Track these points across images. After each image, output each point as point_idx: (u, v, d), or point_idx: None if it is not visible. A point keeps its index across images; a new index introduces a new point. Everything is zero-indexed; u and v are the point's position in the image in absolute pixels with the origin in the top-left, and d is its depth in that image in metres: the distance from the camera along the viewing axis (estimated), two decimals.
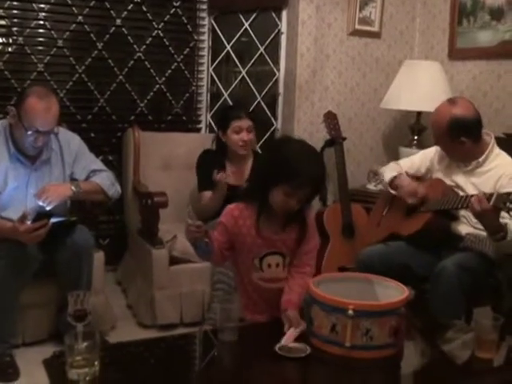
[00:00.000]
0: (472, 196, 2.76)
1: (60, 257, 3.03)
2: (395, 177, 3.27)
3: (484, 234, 2.90)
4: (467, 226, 3.00)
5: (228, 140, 3.72)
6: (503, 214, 2.71)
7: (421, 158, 3.34)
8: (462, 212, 2.99)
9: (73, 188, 3.12)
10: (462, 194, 2.99)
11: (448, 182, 3.11)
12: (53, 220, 2.92)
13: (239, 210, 2.38)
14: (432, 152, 3.31)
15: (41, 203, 2.98)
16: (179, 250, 3.52)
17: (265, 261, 2.37)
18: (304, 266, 2.42)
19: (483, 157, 3.03)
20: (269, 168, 2.33)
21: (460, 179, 3.09)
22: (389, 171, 3.35)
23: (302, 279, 2.35)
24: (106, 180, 3.31)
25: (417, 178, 3.29)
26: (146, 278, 3.63)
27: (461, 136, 2.98)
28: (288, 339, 2.06)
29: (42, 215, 2.90)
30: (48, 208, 2.98)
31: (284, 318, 2.21)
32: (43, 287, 3.20)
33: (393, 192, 3.26)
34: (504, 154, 3.08)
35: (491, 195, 2.63)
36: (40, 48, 4.03)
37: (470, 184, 3.03)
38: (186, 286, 3.56)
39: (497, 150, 3.07)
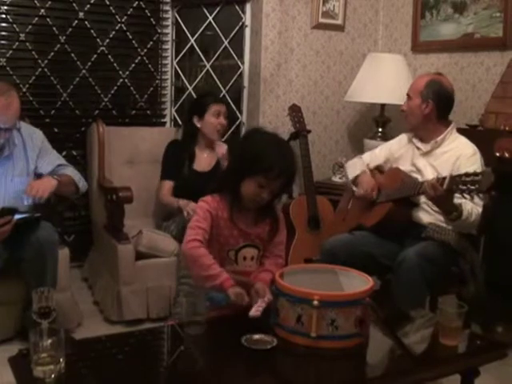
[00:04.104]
0: (426, 182, 2.82)
1: (24, 254, 2.99)
2: (358, 175, 3.34)
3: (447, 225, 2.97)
4: (429, 214, 3.05)
5: (205, 125, 3.76)
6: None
7: (381, 150, 3.43)
8: (423, 199, 3.04)
9: (55, 177, 3.12)
10: (420, 178, 3.04)
11: (409, 166, 3.18)
12: (17, 216, 2.89)
13: (217, 202, 2.38)
14: (392, 142, 3.42)
15: (29, 201, 2.97)
16: (145, 245, 3.50)
17: (240, 253, 2.40)
18: (275, 257, 2.47)
19: (441, 136, 3.12)
20: (243, 159, 2.34)
21: (420, 162, 3.15)
22: (352, 168, 3.42)
23: (275, 265, 2.41)
24: (74, 173, 3.32)
25: (379, 169, 3.35)
26: (112, 274, 3.61)
27: (430, 97, 3.07)
28: (256, 311, 2.09)
29: (5, 212, 2.86)
30: (41, 201, 2.98)
31: (252, 291, 2.24)
32: (8, 285, 3.16)
33: (354, 189, 3.32)
34: (462, 138, 3.16)
35: (444, 179, 2.67)
36: (2, 42, 3.96)
37: (429, 166, 3.09)
38: (152, 280, 3.54)
39: (456, 135, 3.16)
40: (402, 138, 3.35)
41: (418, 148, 3.20)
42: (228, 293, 2.22)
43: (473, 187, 2.55)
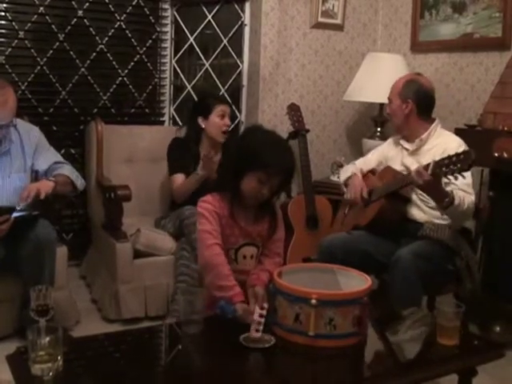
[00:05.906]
0: (412, 171, 2.83)
1: (22, 251, 2.99)
2: (349, 177, 3.37)
3: (442, 222, 2.97)
4: (423, 212, 3.08)
5: (209, 125, 3.72)
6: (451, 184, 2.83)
7: (374, 154, 3.46)
8: (415, 196, 3.06)
9: (52, 179, 3.11)
10: None
11: (399, 166, 3.19)
12: (15, 215, 2.89)
13: (218, 201, 2.38)
14: (383, 146, 3.46)
15: (24, 202, 2.95)
16: (143, 244, 3.50)
17: (240, 252, 2.41)
18: (273, 255, 2.48)
19: (426, 134, 3.14)
20: (244, 155, 2.35)
21: (408, 161, 3.17)
22: (345, 173, 3.45)
23: (274, 264, 2.41)
24: (71, 172, 3.31)
25: (373, 173, 3.36)
26: (110, 272, 3.61)
27: (409, 97, 3.12)
28: (256, 331, 2.04)
29: (3, 211, 2.86)
30: (40, 197, 2.96)
31: (250, 293, 2.24)
32: (6, 283, 3.16)
33: (344, 190, 3.34)
34: (448, 133, 3.19)
35: (428, 165, 2.69)
36: (1, 40, 3.96)
37: (416, 164, 3.09)
38: (150, 279, 3.54)
39: (440, 131, 3.18)
40: (390, 141, 3.40)
41: (406, 148, 3.22)
42: (236, 307, 2.21)
43: (455, 167, 2.57)
